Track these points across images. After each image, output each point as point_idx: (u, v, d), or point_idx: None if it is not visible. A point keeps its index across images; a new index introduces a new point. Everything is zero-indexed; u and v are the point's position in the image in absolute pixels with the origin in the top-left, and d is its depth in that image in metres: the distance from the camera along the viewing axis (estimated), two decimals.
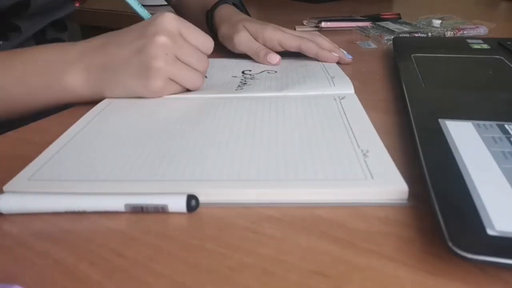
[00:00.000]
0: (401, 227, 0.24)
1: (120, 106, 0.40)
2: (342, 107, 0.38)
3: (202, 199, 0.25)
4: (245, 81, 0.47)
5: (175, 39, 0.39)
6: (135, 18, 0.45)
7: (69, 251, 0.22)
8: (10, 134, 0.36)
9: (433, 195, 0.23)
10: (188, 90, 0.42)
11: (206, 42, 0.42)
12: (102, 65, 0.39)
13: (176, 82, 0.41)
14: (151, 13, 0.45)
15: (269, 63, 0.52)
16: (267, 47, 0.54)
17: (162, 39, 0.38)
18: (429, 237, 0.23)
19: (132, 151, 0.31)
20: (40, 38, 0.59)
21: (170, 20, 0.39)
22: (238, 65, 0.53)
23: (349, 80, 0.45)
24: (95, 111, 0.38)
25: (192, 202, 0.25)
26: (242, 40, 0.54)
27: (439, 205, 0.22)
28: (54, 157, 0.30)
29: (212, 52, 0.43)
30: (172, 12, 0.43)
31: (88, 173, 0.28)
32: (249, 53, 0.54)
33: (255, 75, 0.49)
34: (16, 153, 0.33)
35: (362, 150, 0.30)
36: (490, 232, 0.20)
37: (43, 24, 0.57)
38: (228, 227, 0.24)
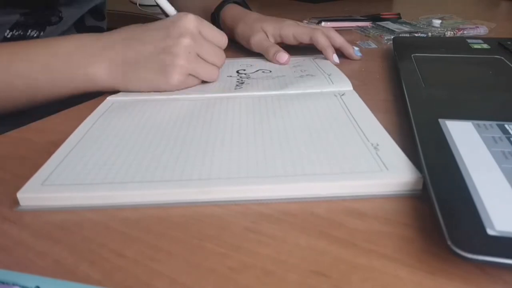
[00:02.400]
0: (401, 227, 0.24)
1: (122, 107, 0.40)
2: (344, 103, 0.39)
3: (220, 196, 0.26)
4: (242, 80, 0.47)
5: (196, 38, 0.42)
6: (142, 19, 0.46)
7: (69, 251, 0.22)
8: (10, 134, 0.36)
9: (433, 195, 0.23)
10: (204, 82, 0.46)
11: (222, 39, 0.45)
12: (125, 60, 0.42)
13: (194, 76, 0.44)
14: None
15: (278, 62, 0.53)
16: (284, 44, 0.56)
17: (186, 40, 0.41)
18: (429, 237, 0.23)
19: (142, 152, 0.31)
20: (80, 26, 0.60)
21: (191, 21, 0.43)
22: (232, 65, 0.54)
23: (346, 77, 0.46)
24: (99, 112, 0.38)
25: None
26: (257, 40, 0.56)
27: (439, 205, 0.22)
28: (64, 160, 0.30)
29: (226, 51, 0.45)
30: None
31: (102, 176, 0.27)
32: (262, 52, 0.56)
33: (250, 75, 0.49)
34: (17, 153, 0.33)
35: (372, 144, 0.30)
36: (490, 232, 0.20)
37: (82, 11, 0.58)
38: (228, 227, 0.24)
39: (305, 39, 0.55)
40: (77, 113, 0.40)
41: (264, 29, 0.56)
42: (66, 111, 0.41)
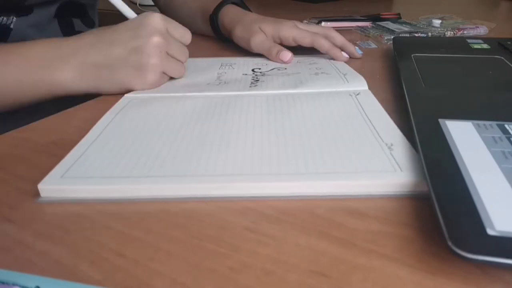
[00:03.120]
0: (401, 227, 0.24)
1: (139, 104, 0.40)
2: (359, 102, 0.39)
3: (234, 192, 0.27)
4: (257, 78, 0.47)
5: (165, 37, 0.43)
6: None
7: (69, 251, 0.22)
8: (10, 133, 0.36)
9: (433, 195, 0.23)
10: (172, 78, 0.47)
11: (185, 35, 0.46)
12: (96, 63, 0.42)
13: (166, 74, 0.45)
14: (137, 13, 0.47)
15: (282, 61, 0.53)
16: (283, 45, 0.56)
17: (156, 39, 0.42)
18: (429, 237, 0.23)
19: (159, 147, 0.31)
20: (69, 31, 0.60)
21: (159, 20, 0.43)
22: (247, 63, 0.54)
23: (362, 77, 0.46)
24: (116, 109, 0.39)
25: None
26: (257, 42, 0.56)
27: (439, 205, 0.22)
28: (83, 155, 0.30)
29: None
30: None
31: (120, 169, 0.28)
32: (263, 53, 0.56)
33: (265, 73, 0.50)
34: (17, 153, 0.33)
35: (386, 144, 0.31)
36: (490, 232, 0.20)
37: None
38: (228, 227, 0.24)
39: (306, 42, 0.55)
40: (77, 113, 0.40)
41: (263, 30, 0.56)
42: (66, 111, 0.41)
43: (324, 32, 0.56)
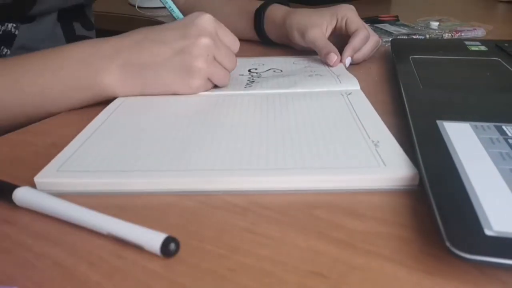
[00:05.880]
0: (399, 228, 0.24)
1: (134, 102, 0.41)
2: (350, 102, 0.40)
3: (222, 186, 0.27)
4: (252, 79, 0.48)
5: (215, 40, 0.41)
6: (141, 22, 0.46)
7: (68, 252, 0.22)
8: (9, 135, 0.36)
9: (431, 195, 0.23)
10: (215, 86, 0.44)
11: (236, 43, 0.44)
12: (140, 63, 0.40)
13: (210, 80, 0.42)
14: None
15: (326, 62, 0.51)
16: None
17: (205, 40, 0.39)
18: (427, 238, 0.23)
19: (153, 144, 0.32)
20: (71, 36, 0.61)
21: (209, 21, 0.41)
22: (244, 64, 0.54)
23: (354, 78, 0.46)
24: (111, 108, 0.39)
25: (171, 246, 0.21)
26: (313, 35, 0.53)
27: (437, 206, 0.22)
28: (79, 149, 0.31)
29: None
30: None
31: (114, 164, 0.29)
32: (315, 49, 0.53)
33: (261, 74, 0.50)
34: (16, 156, 0.33)
35: (373, 141, 0.31)
36: (487, 232, 0.20)
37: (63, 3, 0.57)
38: (227, 228, 0.24)
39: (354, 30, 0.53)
40: (75, 116, 0.40)
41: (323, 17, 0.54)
42: (65, 113, 0.41)
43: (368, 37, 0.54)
